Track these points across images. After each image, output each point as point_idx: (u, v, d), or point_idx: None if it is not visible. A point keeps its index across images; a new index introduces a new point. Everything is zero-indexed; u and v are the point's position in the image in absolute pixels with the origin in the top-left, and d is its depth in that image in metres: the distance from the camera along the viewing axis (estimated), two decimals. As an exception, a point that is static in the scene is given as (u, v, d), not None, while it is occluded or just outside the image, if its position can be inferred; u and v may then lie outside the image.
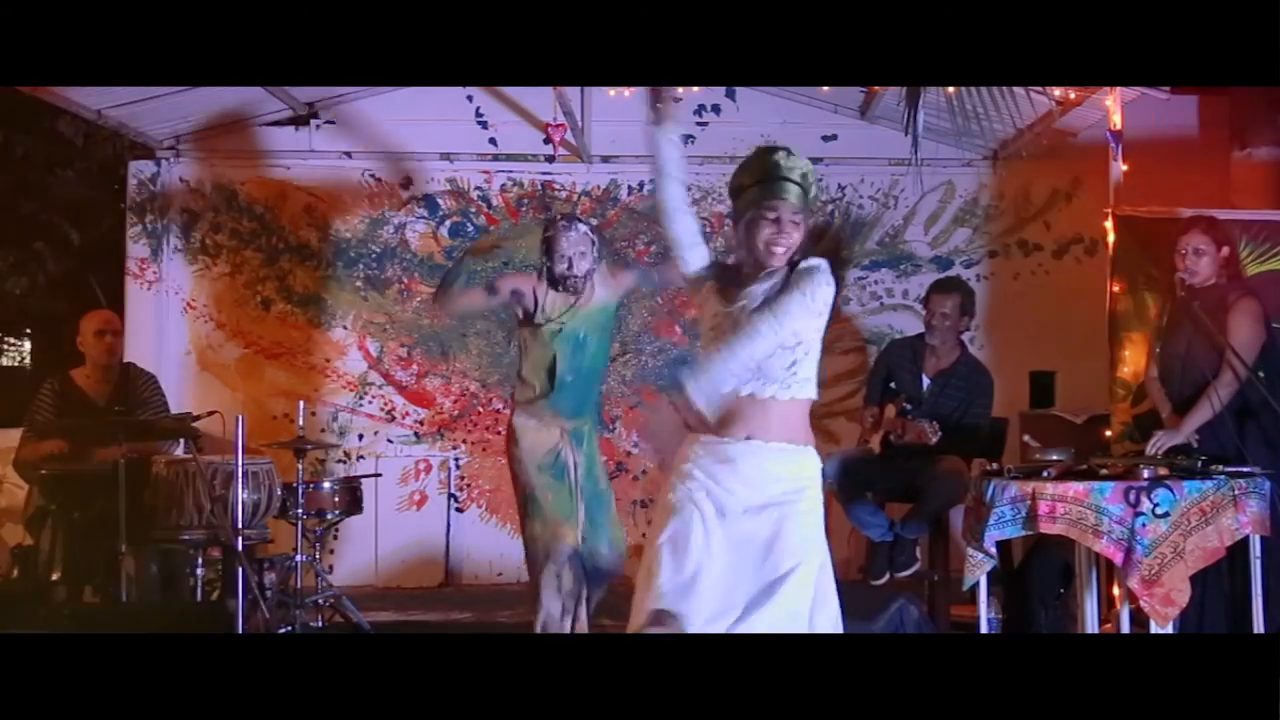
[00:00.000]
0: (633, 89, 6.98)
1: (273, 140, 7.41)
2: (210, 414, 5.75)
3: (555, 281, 4.99)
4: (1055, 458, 4.72)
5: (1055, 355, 7.16)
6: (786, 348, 3.19)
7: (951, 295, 5.80)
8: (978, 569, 4.57)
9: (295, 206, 7.38)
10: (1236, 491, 4.43)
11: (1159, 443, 4.76)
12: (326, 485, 5.97)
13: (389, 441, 7.38)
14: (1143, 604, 4.36)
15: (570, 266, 4.98)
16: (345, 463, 7.28)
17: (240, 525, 5.28)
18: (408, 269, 7.39)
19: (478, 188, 7.44)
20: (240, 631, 5.02)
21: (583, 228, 5.07)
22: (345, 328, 7.39)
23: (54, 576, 5.56)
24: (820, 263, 3.24)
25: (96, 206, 9.61)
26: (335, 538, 7.09)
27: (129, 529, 5.30)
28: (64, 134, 8.78)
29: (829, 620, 3.14)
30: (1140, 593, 4.34)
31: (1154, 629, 4.37)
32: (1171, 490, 4.38)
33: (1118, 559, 4.40)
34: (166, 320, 7.33)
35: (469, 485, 7.37)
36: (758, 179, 3.30)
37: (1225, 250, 4.94)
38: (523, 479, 5.01)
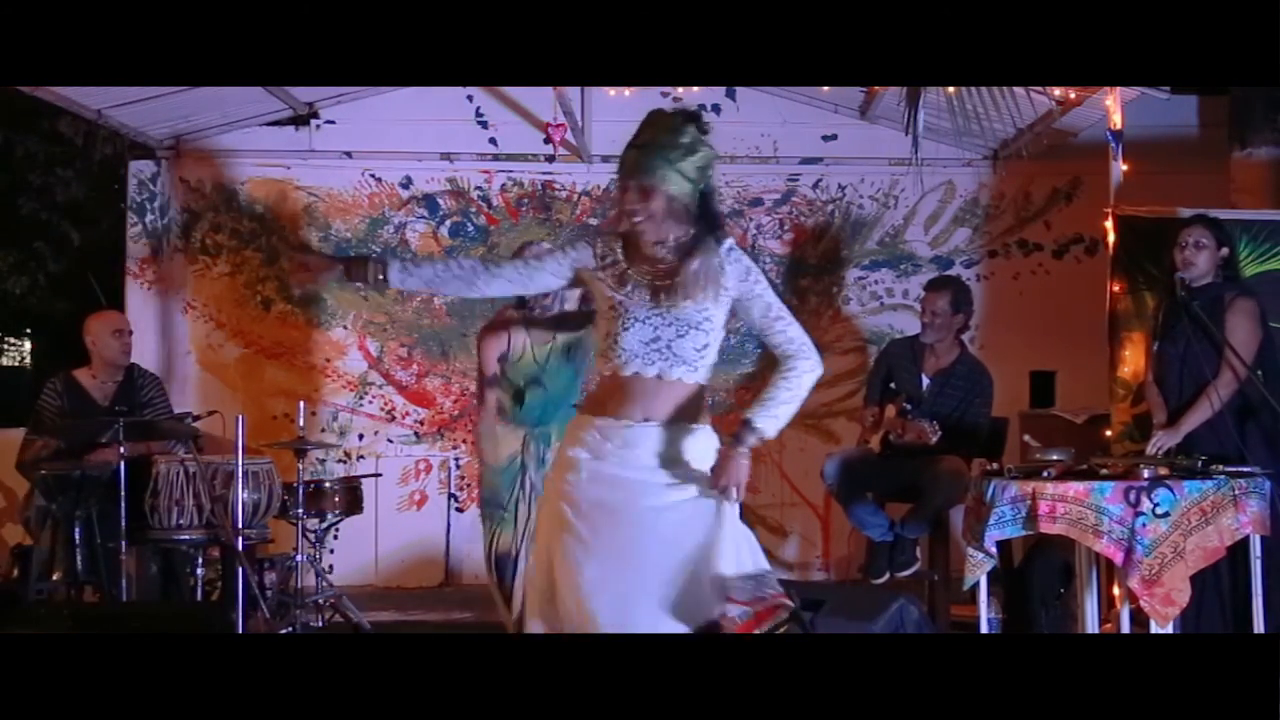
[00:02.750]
0: (633, 89, 7.00)
1: (273, 140, 7.41)
2: (210, 414, 5.75)
3: (521, 305, 4.80)
4: (1055, 458, 4.71)
5: (1055, 355, 7.15)
6: (699, 329, 3.11)
7: (943, 293, 5.80)
8: (978, 569, 4.57)
9: (295, 206, 7.38)
10: (1236, 491, 4.42)
11: (1159, 443, 4.77)
12: (326, 485, 5.97)
13: (389, 441, 7.38)
14: (1143, 604, 4.36)
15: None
16: (345, 463, 7.28)
17: (240, 525, 5.29)
18: (408, 269, 7.38)
19: (478, 188, 7.44)
20: (240, 631, 5.02)
21: (546, 245, 4.92)
22: (345, 328, 7.39)
23: (54, 576, 5.56)
24: (729, 240, 3.17)
25: (96, 206, 9.62)
26: (335, 538, 7.09)
27: (129, 529, 5.30)
28: (64, 134, 8.78)
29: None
30: (1140, 593, 4.34)
31: (1154, 629, 4.37)
32: (1171, 490, 4.37)
33: (1118, 559, 4.40)
34: (170, 322, 7.33)
35: (469, 485, 7.36)
36: (644, 144, 3.14)
37: (1225, 250, 4.94)
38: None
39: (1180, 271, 4.89)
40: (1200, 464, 4.51)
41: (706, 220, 3.17)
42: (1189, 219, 5.04)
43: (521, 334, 4.86)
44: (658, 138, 3.11)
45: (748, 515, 7.69)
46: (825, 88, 6.96)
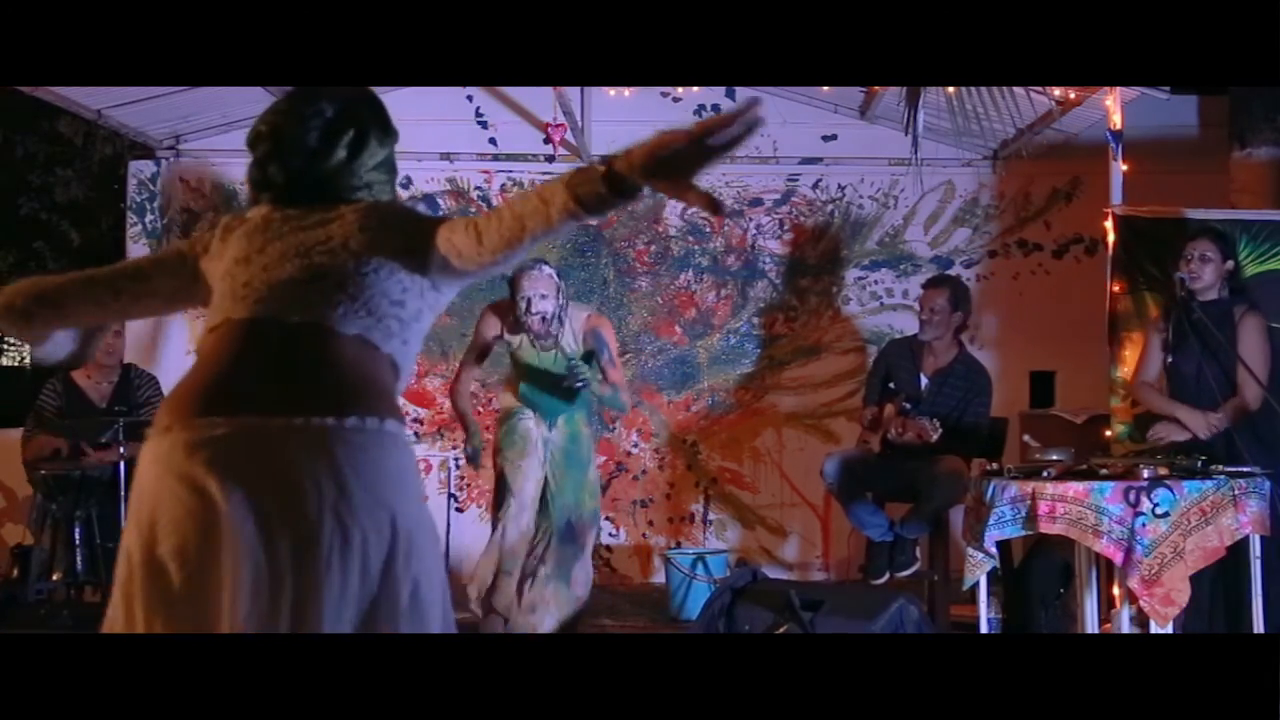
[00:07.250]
0: (633, 89, 7.00)
1: (273, 140, 7.40)
2: (210, 414, 5.73)
3: (517, 322, 5.06)
4: (1055, 458, 4.72)
5: (1055, 355, 7.15)
6: (392, 275, 2.34)
7: (941, 290, 5.81)
8: (978, 569, 4.57)
9: (295, 206, 7.37)
10: (1236, 491, 4.42)
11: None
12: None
13: (389, 441, 7.37)
14: (1143, 604, 4.36)
15: (529, 307, 4.97)
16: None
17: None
18: (408, 269, 7.38)
19: (478, 188, 7.44)
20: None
21: (547, 269, 5.05)
22: (345, 328, 7.37)
23: (54, 576, 5.57)
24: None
25: (96, 206, 9.64)
26: (335, 538, 7.08)
27: (129, 529, 5.30)
28: (64, 134, 8.81)
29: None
30: (1140, 593, 4.34)
31: (1154, 629, 4.37)
32: (1171, 490, 4.38)
33: (1118, 559, 4.40)
34: (166, 320, 7.33)
35: (469, 485, 7.37)
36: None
37: (1230, 263, 4.96)
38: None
39: (1180, 273, 4.91)
40: (1200, 464, 4.51)
41: None
42: (1193, 231, 5.04)
43: (521, 333, 5.14)
44: None
45: (748, 515, 7.78)
46: (825, 88, 6.96)
